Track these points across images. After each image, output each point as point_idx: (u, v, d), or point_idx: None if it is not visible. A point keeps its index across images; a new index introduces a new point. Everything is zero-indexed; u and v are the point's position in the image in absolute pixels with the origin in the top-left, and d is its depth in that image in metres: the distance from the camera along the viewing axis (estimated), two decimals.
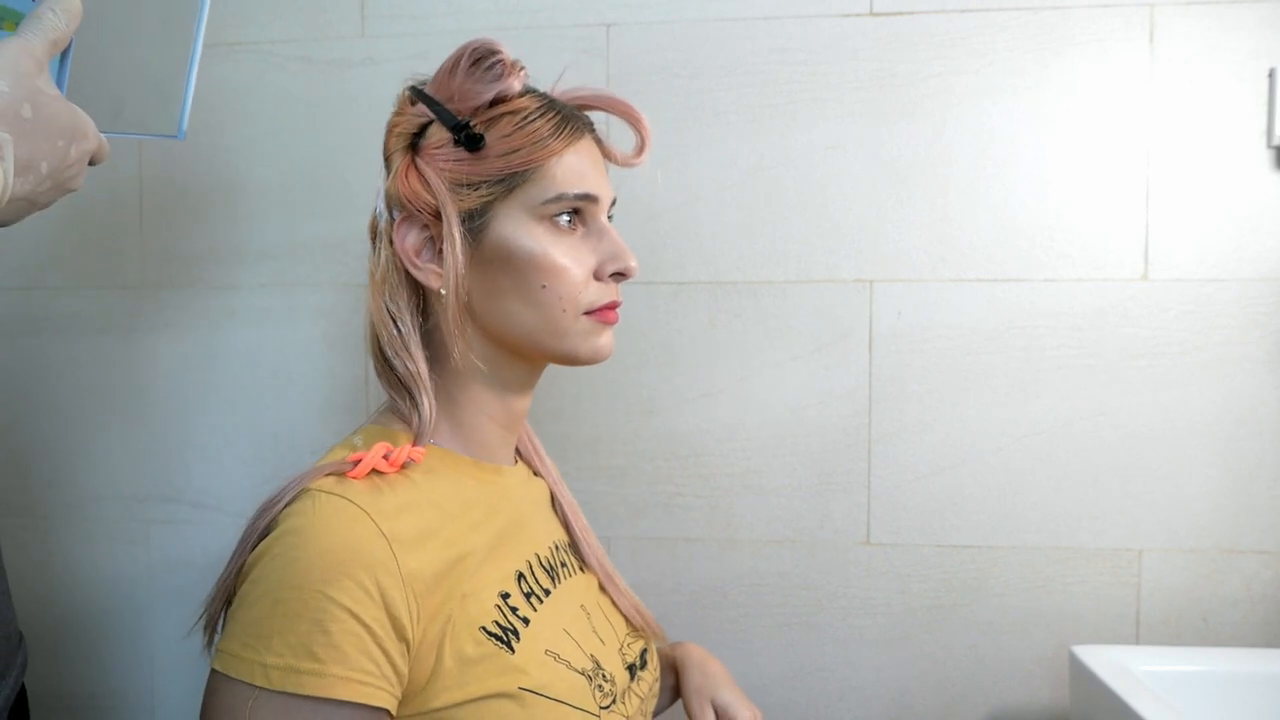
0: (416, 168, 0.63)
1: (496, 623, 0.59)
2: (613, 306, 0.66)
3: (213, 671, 0.53)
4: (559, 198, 0.62)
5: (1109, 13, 0.93)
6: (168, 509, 1.05)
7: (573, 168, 0.63)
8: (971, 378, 0.95)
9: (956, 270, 0.95)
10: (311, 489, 0.56)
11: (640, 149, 0.71)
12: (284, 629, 0.51)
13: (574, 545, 0.75)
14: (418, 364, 0.63)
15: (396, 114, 0.67)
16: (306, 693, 0.50)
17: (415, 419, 0.63)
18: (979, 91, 0.95)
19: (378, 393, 1.01)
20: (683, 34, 0.98)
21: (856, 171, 0.96)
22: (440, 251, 0.62)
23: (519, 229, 0.62)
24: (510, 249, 0.62)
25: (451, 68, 0.64)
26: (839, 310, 0.97)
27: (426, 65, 0.99)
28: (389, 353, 0.64)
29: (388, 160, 0.66)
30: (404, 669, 0.54)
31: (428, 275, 0.63)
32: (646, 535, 1.00)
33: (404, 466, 0.60)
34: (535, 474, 0.76)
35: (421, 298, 0.65)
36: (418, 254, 0.63)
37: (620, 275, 0.65)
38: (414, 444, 0.62)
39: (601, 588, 0.74)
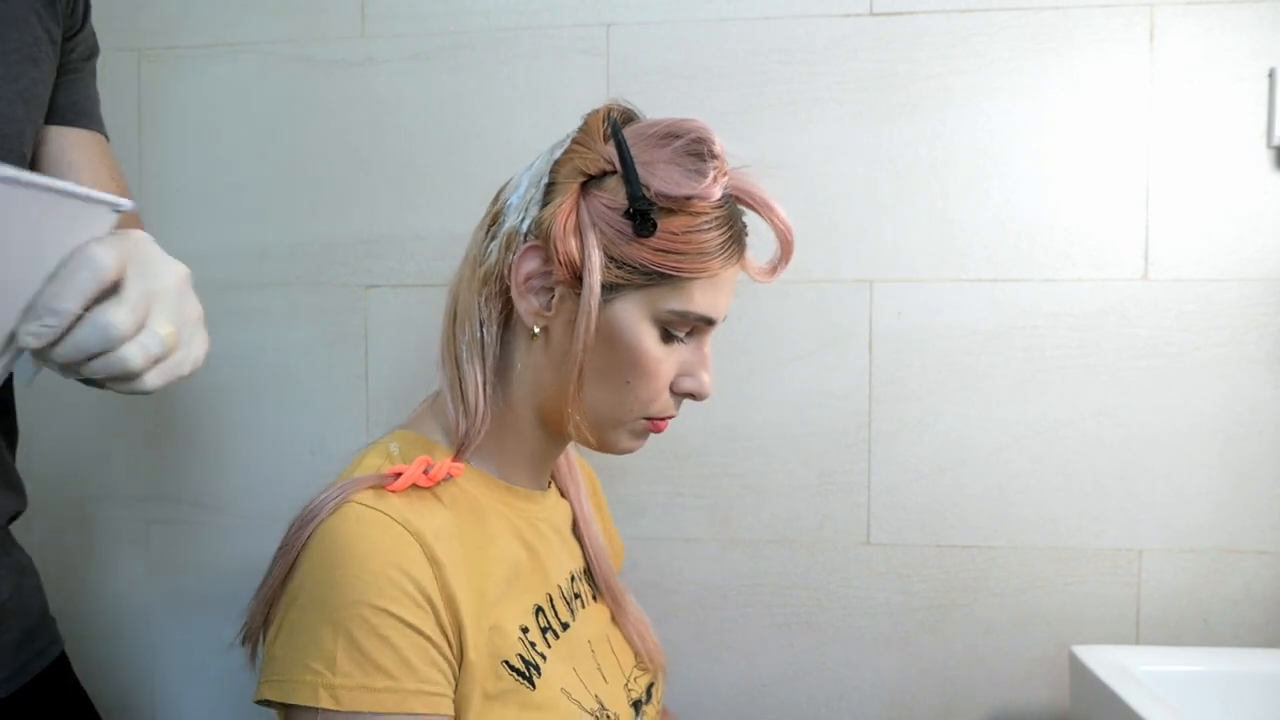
0: (578, 215, 0.59)
1: (521, 656, 0.57)
2: (667, 418, 0.64)
3: (268, 702, 0.51)
4: (687, 315, 0.60)
5: (1109, 13, 0.93)
6: (168, 509, 1.05)
7: (713, 290, 0.60)
8: (971, 378, 0.95)
9: (956, 270, 0.95)
10: (353, 502, 0.54)
11: (776, 268, 0.68)
12: (348, 647, 0.49)
13: (588, 569, 0.73)
14: (487, 375, 0.61)
15: (584, 137, 0.61)
16: (384, 710, 0.49)
17: (461, 431, 0.60)
18: (979, 92, 0.95)
19: (377, 392, 1.01)
20: (683, 34, 0.97)
21: (856, 171, 0.96)
22: (549, 292, 0.60)
23: (637, 322, 0.59)
24: (618, 336, 0.59)
25: (665, 137, 0.59)
26: (839, 310, 0.97)
27: (427, 65, 1.01)
28: (463, 352, 0.61)
29: (552, 183, 0.60)
30: (454, 682, 0.53)
31: (528, 309, 0.60)
32: (646, 535, 0.99)
33: (440, 482, 0.58)
34: (563, 495, 0.74)
35: (509, 314, 0.62)
36: (527, 281, 0.60)
37: (690, 395, 0.64)
38: (455, 458, 0.60)
39: (612, 617, 0.72)
